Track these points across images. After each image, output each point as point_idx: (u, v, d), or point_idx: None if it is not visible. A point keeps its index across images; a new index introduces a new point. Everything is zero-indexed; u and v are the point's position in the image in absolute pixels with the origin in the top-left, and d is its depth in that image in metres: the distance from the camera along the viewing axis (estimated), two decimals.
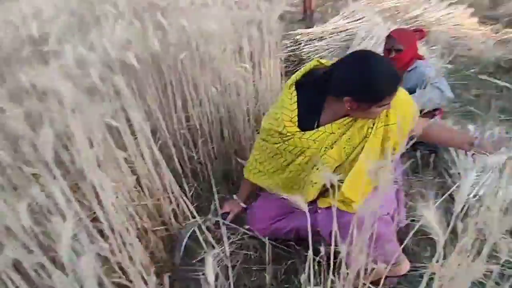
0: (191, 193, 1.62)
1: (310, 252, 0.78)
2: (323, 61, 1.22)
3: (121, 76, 1.34)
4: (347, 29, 3.49)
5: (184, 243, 1.50)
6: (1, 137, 1.14)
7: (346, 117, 1.16)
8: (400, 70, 1.93)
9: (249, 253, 1.56)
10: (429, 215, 0.62)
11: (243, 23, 1.82)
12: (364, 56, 1.08)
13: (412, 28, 2.02)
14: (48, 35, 1.78)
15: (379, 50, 3.12)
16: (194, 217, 1.38)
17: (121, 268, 1.23)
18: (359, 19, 3.68)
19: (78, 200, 1.11)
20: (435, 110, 1.88)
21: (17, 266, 1.05)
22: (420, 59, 1.96)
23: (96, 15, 1.99)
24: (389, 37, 1.91)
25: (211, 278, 0.72)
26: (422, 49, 3.30)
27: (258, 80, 1.94)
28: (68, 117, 1.06)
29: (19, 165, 1.06)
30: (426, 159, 1.95)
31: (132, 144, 1.40)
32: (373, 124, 1.15)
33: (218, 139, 1.95)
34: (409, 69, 1.92)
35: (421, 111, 1.79)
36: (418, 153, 2.02)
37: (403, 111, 1.16)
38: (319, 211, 1.25)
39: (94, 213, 1.12)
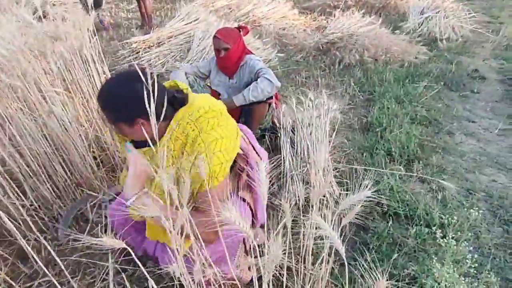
0: (29, 251, 1.33)
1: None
2: (179, 83, 1.14)
3: None
4: (184, 32, 3.50)
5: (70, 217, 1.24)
6: None
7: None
8: (233, 67, 2.04)
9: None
10: None
11: (48, 39, 1.58)
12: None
13: (235, 26, 2.14)
14: None
15: None
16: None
17: None
18: (195, 20, 3.75)
19: None
20: (269, 98, 2.05)
21: None
22: (248, 53, 2.10)
23: None
24: (215, 37, 1.97)
25: None
26: (256, 42, 3.60)
27: (85, 102, 1.74)
28: None
29: None
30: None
31: None
32: None
33: (56, 178, 1.67)
34: (241, 64, 2.04)
35: (258, 102, 1.96)
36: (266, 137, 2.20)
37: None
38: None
39: None
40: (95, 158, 1.77)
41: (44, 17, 1.77)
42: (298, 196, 1.74)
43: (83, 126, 1.74)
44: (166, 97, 0.82)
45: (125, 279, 1.16)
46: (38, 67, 1.49)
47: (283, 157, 2.00)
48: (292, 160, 2.00)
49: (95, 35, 1.77)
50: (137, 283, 1.40)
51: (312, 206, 0.86)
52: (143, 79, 0.81)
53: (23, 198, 1.59)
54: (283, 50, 3.80)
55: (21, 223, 1.52)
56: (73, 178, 1.69)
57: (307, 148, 2.01)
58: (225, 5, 4.53)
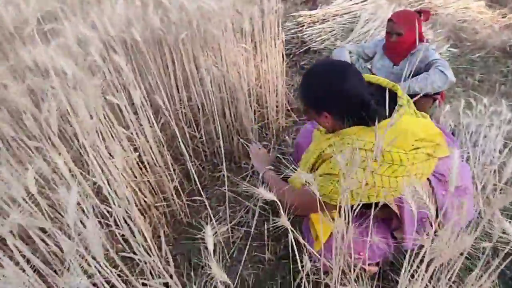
0: (193, 171, 1.65)
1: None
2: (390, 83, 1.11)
3: (121, 54, 1.35)
4: (350, 11, 3.43)
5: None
6: (5, 112, 1.16)
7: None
8: (402, 53, 1.92)
9: (249, 229, 1.59)
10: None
11: (244, 2, 1.81)
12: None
13: (415, 10, 1.98)
14: (49, 13, 1.79)
15: (383, 32, 3.10)
16: (200, 193, 1.41)
17: (125, 241, 1.27)
18: (364, 1, 3.62)
19: (82, 174, 1.14)
20: (436, 94, 1.87)
21: (22, 236, 1.09)
22: (423, 41, 1.94)
23: None
24: (389, 20, 1.89)
25: (210, 247, 0.75)
26: (427, 32, 3.26)
27: (260, 61, 1.94)
28: (69, 93, 1.08)
29: (23, 139, 1.09)
30: None
31: (134, 122, 1.43)
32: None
33: (220, 119, 1.96)
34: (412, 51, 1.91)
35: (424, 95, 1.81)
36: None
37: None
38: None
39: (98, 188, 1.15)
40: (254, 113, 1.98)
41: None
42: None
43: (255, 81, 1.97)
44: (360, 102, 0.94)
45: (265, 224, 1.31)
46: (235, 25, 1.72)
47: None
48: None
49: (281, 2, 1.93)
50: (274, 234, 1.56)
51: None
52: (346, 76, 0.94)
53: (196, 130, 1.93)
54: (457, 45, 3.33)
55: (190, 150, 1.86)
56: (236, 125, 1.94)
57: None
58: None
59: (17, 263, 0.81)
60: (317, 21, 3.34)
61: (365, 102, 0.96)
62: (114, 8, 1.62)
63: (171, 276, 0.95)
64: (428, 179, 1.01)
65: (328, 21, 3.36)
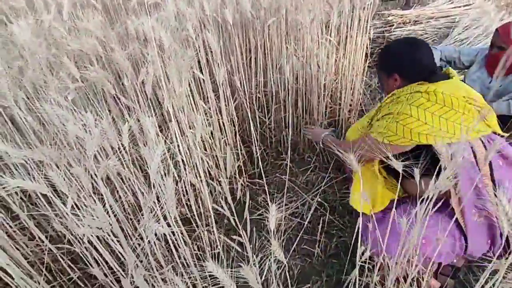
0: (257, 156, 1.69)
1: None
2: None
3: (213, 33, 1.42)
4: (449, 15, 3.14)
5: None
6: (109, 72, 1.30)
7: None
8: (507, 72, 1.70)
9: (302, 222, 1.60)
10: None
11: None
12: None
13: None
14: None
15: (484, 41, 2.78)
16: (260, 177, 1.46)
17: (188, 206, 1.37)
18: (467, 5, 3.28)
19: (164, 138, 1.25)
20: None
21: (106, 183, 1.23)
22: None
23: None
24: (496, 30, 1.69)
25: (272, 226, 0.78)
26: None
27: (342, 56, 1.89)
28: (164, 62, 1.18)
29: (120, 97, 1.22)
30: None
31: (212, 98, 1.51)
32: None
33: (292, 109, 1.97)
34: None
35: None
36: None
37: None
38: None
39: (173, 152, 1.24)
40: (326, 107, 1.95)
41: None
42: None
43: (333, 76, 1.94)
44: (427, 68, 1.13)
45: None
46: (324, 16, 1.70)
47: None
48: None
49: None
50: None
51: None
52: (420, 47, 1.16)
53: (266, 116, 1.97)
54: None
55: (258, 134, 1.91)
56: (306, 117, 1.94)
57: None
58: None
59: (103, 205, 0.92)
60: (409, 22, 3.13)
61: (431, 67, 1.16)
62: None
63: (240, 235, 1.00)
64: (484, 145, 1.05)
65: (421, 23, 3.12)
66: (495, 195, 0.64)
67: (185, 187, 1.32)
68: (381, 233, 1.01)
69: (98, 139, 0.90)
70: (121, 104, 1.26)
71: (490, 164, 1.04)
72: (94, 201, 0.83)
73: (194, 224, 1.37)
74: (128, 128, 0.90)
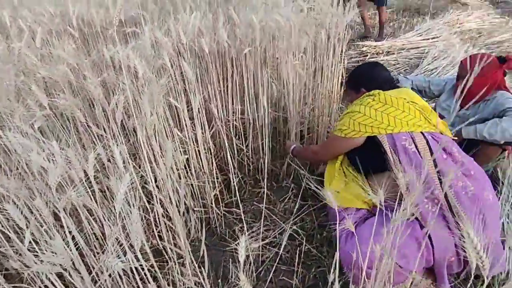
0: (235, 183, 1.67)
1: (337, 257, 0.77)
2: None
3: (189, 61, 1.43)
4: (419, 47, 3.32)
5: None
6: (79, 99, 1.28)
7: None
8: (470, 98, 1.78)
9: (280, 252, 1.56)
10: None
11: (311, 25, 1.83)
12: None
13: (496, 55, 1.83)
14: (132, 18, 1.97)
15: (451, 72, 2.93)
16: (238, 206, 1.43)
17: (160, 237, 1.31)
18: (434, 37, 3.49)
19: (133, 166, 1.21)
20: (507, 143, 1.71)
21: (71, 214, 1.17)
22: (503, 89, 1.78)
23: (177, 5, 2.14)
24: (461, 62, 1.78)
25: (242, 259, 0.75)
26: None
27: (318, 84, 1.94)
28: (137, 90, 1.17)
29: (90, 126, 1.19)
30: None
31: (188, 126, 1.49)
32: None
33: (269, 136, 1.98)
34: (486, 98, 1.77)
35: (490, 143, 1.66)
36: None
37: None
38: None
39: (144, 180, 1.21)
40: (301, 137, 1.97)
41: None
42: None
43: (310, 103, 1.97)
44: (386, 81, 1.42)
45: None
46: (303, 41, 1.76)
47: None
48: (508, 223, 1.63)
49: (350, 29, 1.93)
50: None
51: None
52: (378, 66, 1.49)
53: (243, 144, 1.97)
54: None
55: (235, 162, 1.90)
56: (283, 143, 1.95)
57: None
58: (474, 29, 3.99)
59: (63, 239, 0.87)
60: (382, 53, 3.28)
61: (389, 80, 1.45)
62: (188, 19, 1.74)
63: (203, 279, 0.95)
64: (425, 138, 1.22)
65: (393, 54, 3.28)
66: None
67: (157, 217, 1.27)
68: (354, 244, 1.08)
69: (61, 169, 0.86)
70: (91, 133, 1.23)
71: (432, 154, 1.19)
72: (53, 235, 0.78)
73: (166, 256, 1.31)
74: (94, 157, 0.86)
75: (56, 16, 2.05)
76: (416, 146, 1.20)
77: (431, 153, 1.19)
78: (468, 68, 1.72)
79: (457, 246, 1.13)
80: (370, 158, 1.30)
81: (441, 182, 1.14)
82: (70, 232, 0.95)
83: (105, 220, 0.89)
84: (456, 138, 1.59)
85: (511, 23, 4.09)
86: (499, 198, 1.72)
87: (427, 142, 1.22)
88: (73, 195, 0.81)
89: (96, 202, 0.96)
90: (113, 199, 1.07)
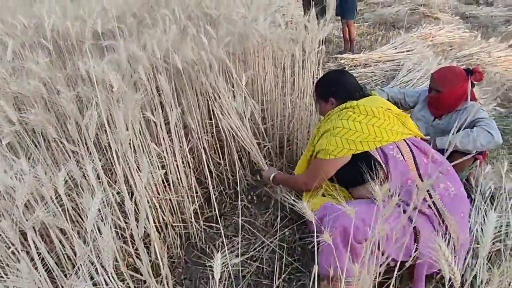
0: (214, 197, 1.65)
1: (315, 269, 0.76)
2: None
3: (164, 75, 1.42)
4: (394, 59, 3.44)
5: None
6: (52, 114, 1.24)
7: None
8: (442, 109, 1.85)
9: (262, 266, 1.54)
10: None
11: (287, 40, 1.87)
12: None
13: (465, 67, 1.91)
14: (110, 31, 1.95)
15: (426, 83, 3.04)
16: (217, 221, 1.41)
17: (137, 255, 1.27)
18: (409, 50, 3.62)
19: (109, 183, 1.18)
20: (479, 153, 1.77)
21: (42, 234, 1.12)
22: (472, 100, 1.85)
23: (155, 18, 2.14)
24: (432, 75, 1.85)
25: (217, 276, 0.73)
26: (474, 89, 3.16)
27: (296, 97, 1.97)
28: (111, 105, 1.14)
29: (62, 142, 1.15)
30: None
31: (166, 140, 1.47)
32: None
33: (244, 151, 1.97)
34: (458, 108, 1.84)
35: (462, 153, 1.72)
36: None
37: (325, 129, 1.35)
38: None
39: (121, 197, 1.18)
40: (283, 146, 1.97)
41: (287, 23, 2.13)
42: None
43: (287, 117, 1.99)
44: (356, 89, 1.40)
45: None
46: (276, 60, 1.78)
47: (471, 224, 1.69)
48: (482, 230, 1.67)
49: (323, 44, 1.97)
50: None
51: None
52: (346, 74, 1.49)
53: (221, 158, 1.95)
54: (505, 105, 3.19)
55: (215, 176, 1.88)
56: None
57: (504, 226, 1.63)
58: (446, 42, 4.17)
59: (31, 259, 0.83)
60: (359, 65, 3.38)
61: (358, 88, 1.42)
62: (162, 33, 1.73)
63: None
64: (408, 145, 1.27)
65: (370, 66, 3.38)
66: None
67: (133, 235, 1.24)
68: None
69: (29, 187, 0.83)
70: (64, 149, 1.19)
71: (416, 162, 1.23)
72: (20, 257, 0.75)
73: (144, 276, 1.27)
74: (65, 174, 0.84)
75: (30, 28, 2.01)
76: (402, 155, 1.24)
77: (415, 160, 1.24)
78: (438, 81, 1.79)
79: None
80: (347, 172, 1.30)
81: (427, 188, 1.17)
82: (39, 253, 0.91)
83: (77, 239, 0.86)
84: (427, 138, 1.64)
85: (479, 37, 4.29)
86: (472, 205, 1.77)
87: (410, 149, 1.26)
88: (40, 215, 0.78)
89: (67, 220, 0.93)
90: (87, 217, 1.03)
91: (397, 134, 1.25)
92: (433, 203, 1.18)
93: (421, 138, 1.42)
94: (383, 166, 1.23)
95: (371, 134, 1.23)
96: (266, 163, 1.89)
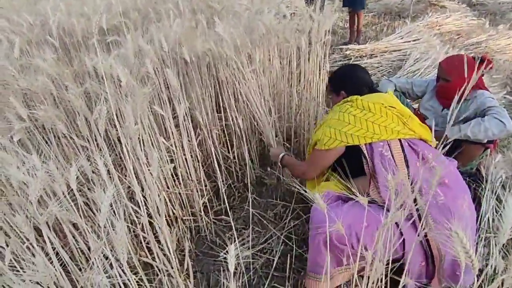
0: (223, 190, 1.65)
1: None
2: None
3: (172, 69, 1.42)
4: (400, 49, 3.39)
5: None
6: (61, 110, 1.24)
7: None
8: (451, 98, 1.82)
9: (272, 258, 1.54)
10: None
11: (293, 31, 1.85)
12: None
13: (473, 55, 1.87)
14: (115, 27, 1.94)
15: (433, 72, 3.00)
16: (227, 213, 1.41)
17: (149, 249, 1.28)
18: (415, 40, 3.57)
19: (119, 177, 1.19)
20: (489, 142, 1.75)
21: (55, 229, 1.14)
22: (482, 89, 1.82)
23: (159, 13, 2.13)
24: (439, 63, 1.82)
25: (231, 268, 0.73)
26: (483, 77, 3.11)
27: (302, 88, 1.95)
28: (120, 100, 1.15)
29: (72, 137, 1.16)
30: None
31: (174, 134, 1.47)
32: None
33: (257, 143, 1.97)
34: (467, 98, 1.81)
35: (473, 142, 1.70)
36: None
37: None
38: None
39: (131, 191, 1.18)
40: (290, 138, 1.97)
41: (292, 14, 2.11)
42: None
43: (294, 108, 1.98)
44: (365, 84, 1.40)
45: None
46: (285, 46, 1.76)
47: (482, 213, 1.68)
48: (493, 220, 1.66)
49: (330, 34, 1.95)
50: None
51: None
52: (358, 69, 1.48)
53: (230, 151, 1.96)
54: None
55: (223, 169, 1.88)
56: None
57: None
58: (453, 31, 4.11)
59: (46, 254, 0.84)
60: (365, 56, 3.34)
61: (368, 83, 1.42)
62: (170, 27, 1.73)
63: None
64: (401, 145, 1.24)
65: (376, 56, 3.34)
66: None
67: (144, 228, 1.25)
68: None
69: (42, 183, 0.83)
70: (74, 144, 1.20)
71: (407, 164, 1.20)
72: (35, 252, 0.75)
73: (156, 269, 1.28)
74: (76, 169, 0.84)
75: (36, 26, 2.01)
76: (391, 153, 1.21)
77: (406, 161, 1.21)
78: (446, 70, 1.76)
79: (427, 254, 1.16)
80: (348, 163, 1.31)
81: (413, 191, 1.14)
82: (53, 248, 0.92)
83: (89, 233, 0.86)
84: (439, 136, 1.61)
85: (487, 25, 4.22)
86: (483, 195, 1.75)
87: (403, 149, 1.23)
88: (54, 210, 0.79)
89: (80, 215, 0.94)
90: (98, 211, 1.04)
91: (392, 132, 1.23)
92: (417, 209, 1.15)
93: (436, 136, 1.36)
94: (369, 161, 1.23)
95: (363, 128, 1.24)
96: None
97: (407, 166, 1.20)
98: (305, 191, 0.95)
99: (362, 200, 0.84)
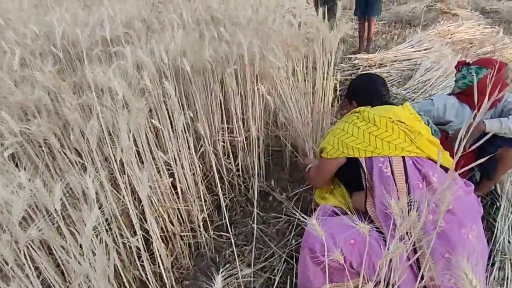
0: (225, 204, 1.60)
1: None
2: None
3: (171, 81, 1.38)
4: (411, 58, 3.31)
5: None
6: (55, 123, 1.22)
7: None
8: (484, 96, 1.70)
9: (273, 277, 1.47)
10: None
11: (303, 40, 1.80)
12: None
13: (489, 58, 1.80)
14: (118, 38, 1.93)
15: (445, 83, 2.91)
16: (227, 230, 1.35)
17: (143, 266, 1.23)
18: (426, 49, 3.49)
19: (114, 192, 1.15)
20: None
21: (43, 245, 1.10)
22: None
23: (163, 23, 2.11)
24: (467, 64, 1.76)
25: None
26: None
27: (311, 99, 1.89)
28: (116, 113, 1.11)
29: (66, 152, 1.12)
30: None
31: (173, 147, 1.43)
32: None
33: (261, 154, 1.91)
34: (502, 100, 1.72)
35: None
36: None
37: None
38: None
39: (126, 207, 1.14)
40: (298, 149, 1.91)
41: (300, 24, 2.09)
42: None
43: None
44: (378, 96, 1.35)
45: None
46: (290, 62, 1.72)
47: (497, 234, 1.57)
48: (509, 242, 1.55)
49: (342, 43, 1.90)
50: None
51: None
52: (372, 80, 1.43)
53: (233, 163, 1.90)
54: None
55: (226, 182, 1.83)
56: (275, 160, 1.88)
57: None
58: (466, 39, 4.00)
59: (27, 276, 0.80)
60: (374, 65, 3.26)
61: (379, 95, 1.36)
62: (173, 38, 1.70)
63: None
64: (404, 162, 1.16)
65: (386, 66, 3.27)
66: None
67: (138, 246, 1.20)
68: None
69: (25, 202, 0.80)
70: (68, 159, 1.17)
71: (408, 183, 1.12)
72: (14, 276, 0.71)
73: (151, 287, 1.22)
74: (60, 190, 0.80)
75: (41, 37, 2.01)
76: (392, 170, 1.14)
77: (406, 179, 1.12)
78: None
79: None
80: (350, 176, 1.26)
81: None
82: (35, 268, 0.88)
83: (72, 257, 0.82)
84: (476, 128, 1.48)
85: (502, 33, 4.10)
86: (499, 214, 1.65)
87: (405, 167, 1.15)
88: (33, 233, 0.75)
89: (64, 237, 0.89)
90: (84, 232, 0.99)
91: (395, 148, 1.16)
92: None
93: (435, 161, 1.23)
94: (367, 176, 1.17)
95: (365, 141, 1.19)
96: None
97: (408, 186, 1.11)
98: (304, 218, 0.89)
99: (363, 228, 0.77)
